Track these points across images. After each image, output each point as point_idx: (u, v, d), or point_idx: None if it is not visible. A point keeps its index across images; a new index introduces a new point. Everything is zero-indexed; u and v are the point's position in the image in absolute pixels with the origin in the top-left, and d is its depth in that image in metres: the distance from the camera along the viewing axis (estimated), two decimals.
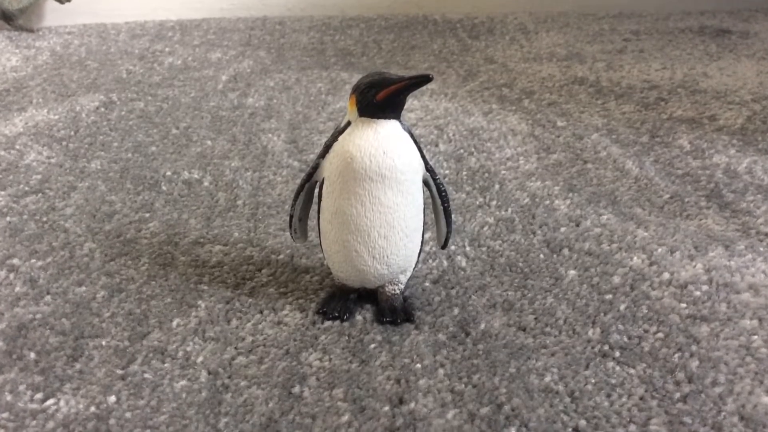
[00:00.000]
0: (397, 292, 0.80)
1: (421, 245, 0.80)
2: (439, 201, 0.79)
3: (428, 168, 0.76)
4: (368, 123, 0.72)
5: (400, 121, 0.73)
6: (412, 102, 1.47)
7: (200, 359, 0.74)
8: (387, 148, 0.71)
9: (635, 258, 0.90)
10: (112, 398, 0.68)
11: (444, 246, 0.83)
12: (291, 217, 0.81)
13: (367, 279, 0.78)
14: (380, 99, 0.70)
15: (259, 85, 1.65)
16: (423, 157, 0.75)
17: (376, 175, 0.71)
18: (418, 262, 0.82)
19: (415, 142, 0.74)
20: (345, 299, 0.81)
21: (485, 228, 1.00)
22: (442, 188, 0.78)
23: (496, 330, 0.78)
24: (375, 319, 0.80)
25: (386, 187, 0.72)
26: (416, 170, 0.74)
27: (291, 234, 0.83)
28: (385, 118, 0.72)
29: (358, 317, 0.80)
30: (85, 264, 0.91)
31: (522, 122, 1.40)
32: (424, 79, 0.69)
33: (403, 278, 0.80)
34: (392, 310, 0.80)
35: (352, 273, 0.78)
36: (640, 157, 1.23)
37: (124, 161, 1.23)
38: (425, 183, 0.77)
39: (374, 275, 0.77)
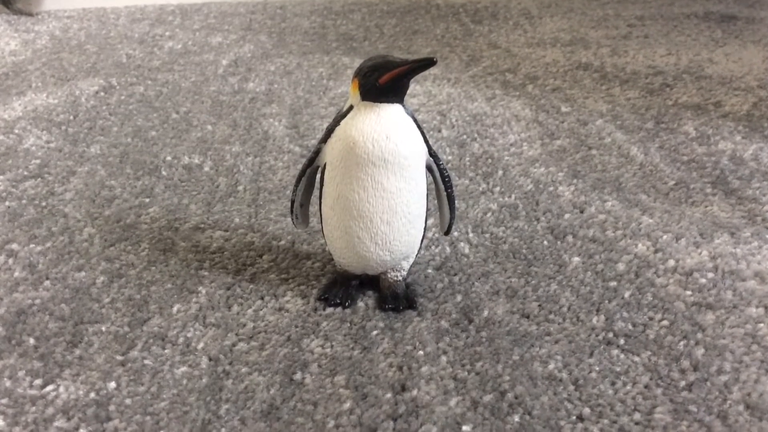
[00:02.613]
0: (400, 278, 0.80)
1: (424, 231, 0.79)
2: (442, 186, 0.78)
3: (431, 153, 0.75)
4: (371, 107, 0.71)
5: (403, 106, 0.72)
6: (414, 87, 1.46)
7: (201, 345, 0.73)
8: (390, 133, 0.70)
9: (640, 245, 0.89)
10: (112, 384, 0.68)
11: (447, 232, 0.82)
12: (292, 202, 0.80)
13: (370, 265, 0.77)
14: (383, 83, 0.69)
15: (259, 70, 1.63)
16: (426, 141, 0.74)
17: (378, 160, 0.70)
18: (420, 248, 0.81)
19: (418, 126, 0.73)
20: (347, 286, 0.80)
21: (488, 214, 0.99)
22: (446, 173, 0.77)
23: (499, 317, 0.77)
24: (377, 306, 0.79)
25: (389, 172, 0.71)
26: (419, 155, 0.73)
27: (292, 219, 0.82)
28: (388, 102, 0.71)
29: (360, 304, 0.80)
30: (84, 249, 0.90)
31: (526, 108, 1.38)
32: (427, 63, 0.68)
33: (406, 264, 0.79)
34: (394, 296, 0.79)
35: (354, 259, 0.77)
36: (645, 143, 1.22)
37: (124, 146, 1.22)
38: (428, 168, 0.76)
39: (376, 261, 0.77)
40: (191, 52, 1.77)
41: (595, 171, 1.12)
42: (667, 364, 0.70)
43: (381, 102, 0.70)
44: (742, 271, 0.84)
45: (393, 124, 0.70)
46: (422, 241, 0.80)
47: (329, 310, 0.79)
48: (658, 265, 0.85)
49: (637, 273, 0.84)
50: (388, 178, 0.71)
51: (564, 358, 0.71)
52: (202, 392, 0.67)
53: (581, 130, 1.28)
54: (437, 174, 0.77)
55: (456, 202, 0.81)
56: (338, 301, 0.79)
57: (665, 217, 0.96)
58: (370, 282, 0.81)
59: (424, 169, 0.75)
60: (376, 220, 0.73)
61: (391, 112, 0.71)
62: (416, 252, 0.80)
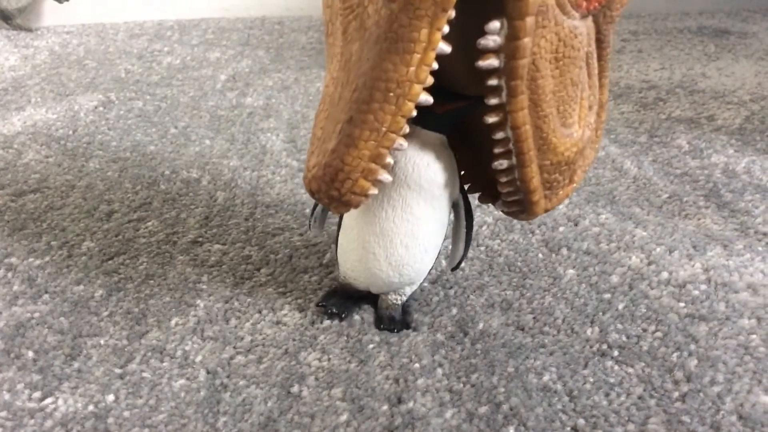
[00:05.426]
0: (399, 302, 0.79)
1: (434, 263, 0.78)
2: (463, 224, 0.76)
3: (462, 190, 0.74)
4: (418, 131, 0.68)
5: (446, 137, 0.70)
6: None
7: (199, 358, 0.74)
8: (431, 161, 0.68)
9: (634, 257, 0.90)
10: (111, 397, 0.68)
11: (455, 268, 0.80)
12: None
13: (376, 283, 0.77)
14: (442, 113, 0.66)
15: (257, 85, 1.65)
16: (459, 178, 0.73)
17: (414, 184, 0.69)
18: (425, 279, 0.80)
19: (456, 161, 0.72)
20: (345, 298, 0.81)
21: (484, 227, 1.00)
22: (471, 213, 0.76)
23: (494, 329, 0.78)
24: (373, 323, 0.80)
25: (421, 198, 0.70)
26: (452, 190, 0.72)
27: (309, 223, 0.81)
28: (436, 130, 0.69)
29: (356, 317, 0.80)
30: (83, 263, 0.91)
31: None
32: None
33: (408, 290, 0.79)
34: (390, 319, 0.79)
35: (362, 274, 0.76)
36: (639, 156, 1.23)
37: (123, 160, 1.23)
38: (454, 204, 0.74)
39: (385, 281, 0.76)
40: (189, 68, 1.78)
41: (589, 184, 1.13)
42: (661, 375, 0.71)
43: (430, 129, 0.68)
44: (734, 283, 0.85)
45: (436, 154, 0.69)
46: (429, 272, 0.78)
47: (326, 323, 0.79)
48: (652, 278, 0.86)
49: (630, 285, 0.85)
50: (418, 204, 0.70)
51: (558, 370, 0.72)
52: (200, 405, 0.68)
53: None
54: (462, 211, 0.75)
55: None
56: (335, 311, 0.79)
57: (659, 230, 0.97)
58: (368, 295, 0.82)
59: (450, 204, 0.74)
60: (396, 241, 0.72)
61: (436, 142, 0.69)
62: (421, 281, 0.79)
